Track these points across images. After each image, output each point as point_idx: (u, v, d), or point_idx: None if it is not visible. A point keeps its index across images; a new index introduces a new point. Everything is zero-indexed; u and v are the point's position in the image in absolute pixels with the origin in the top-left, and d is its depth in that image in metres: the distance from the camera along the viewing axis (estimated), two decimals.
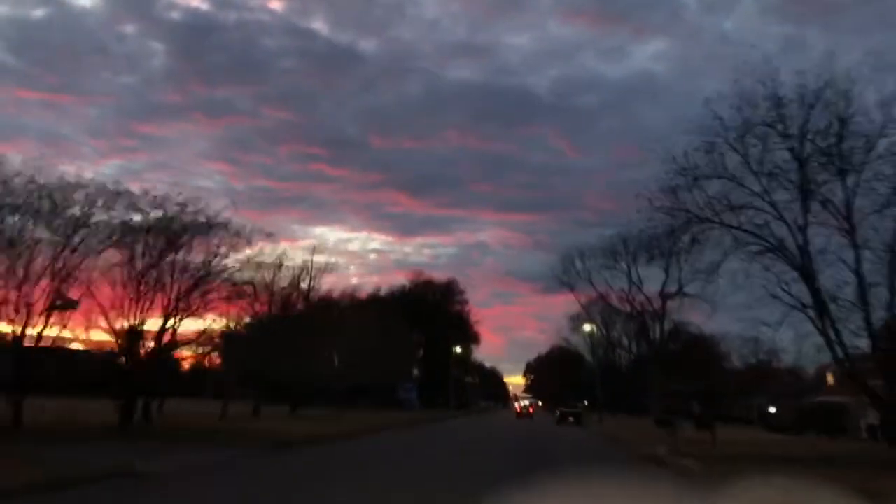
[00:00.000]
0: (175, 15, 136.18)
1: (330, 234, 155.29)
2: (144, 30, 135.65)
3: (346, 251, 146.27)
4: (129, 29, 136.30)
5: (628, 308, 66.86)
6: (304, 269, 56.35)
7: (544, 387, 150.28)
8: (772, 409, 62.47)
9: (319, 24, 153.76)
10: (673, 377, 71.08)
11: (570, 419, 57.84)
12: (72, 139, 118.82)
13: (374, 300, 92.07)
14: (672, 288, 63.39)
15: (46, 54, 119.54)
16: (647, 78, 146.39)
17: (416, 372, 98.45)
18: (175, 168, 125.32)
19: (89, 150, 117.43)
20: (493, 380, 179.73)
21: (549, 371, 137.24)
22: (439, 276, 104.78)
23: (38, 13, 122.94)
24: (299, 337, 48.31)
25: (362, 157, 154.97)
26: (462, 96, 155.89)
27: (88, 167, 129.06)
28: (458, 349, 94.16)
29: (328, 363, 59.02)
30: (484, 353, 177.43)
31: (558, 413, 61.12)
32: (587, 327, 69.44)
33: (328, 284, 79.68)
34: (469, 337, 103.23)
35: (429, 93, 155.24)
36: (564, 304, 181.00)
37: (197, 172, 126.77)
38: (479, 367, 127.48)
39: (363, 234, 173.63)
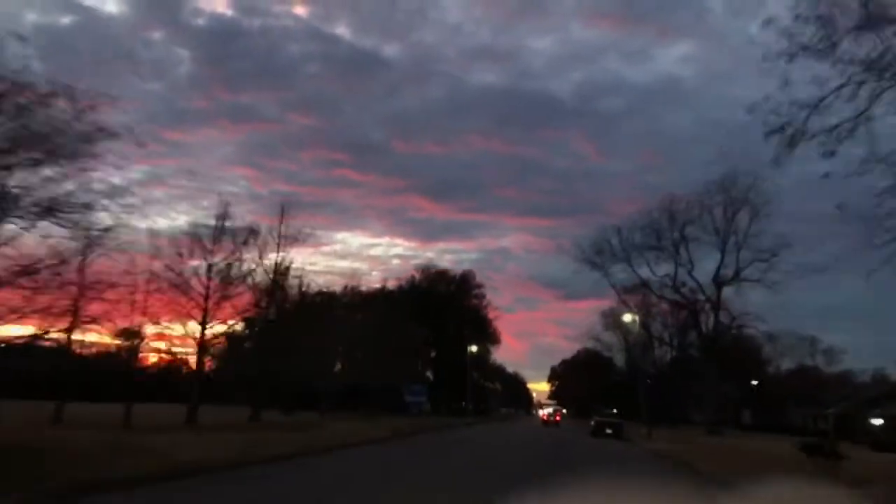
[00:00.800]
0: (201, 21, 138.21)
1: (353, 239, 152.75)
2: (171, 36, 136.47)
3: (369, 256, 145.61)
4: (156, 35, 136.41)
5: (674, 296, 55.77)
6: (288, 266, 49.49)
7: (570, 393, 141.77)
8: (876, 422, 50.94)
9: (343, 30, 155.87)
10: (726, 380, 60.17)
11: (608, 431, 46.79)
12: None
13: (379, 295, 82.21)
14: (728, 272, 53.15)
15: (74, 61, 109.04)
16: (671, 81, 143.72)
17: (429, 374, 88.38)
18: (201, 173, 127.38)
19: (114, 156, 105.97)
20: (515, 385, 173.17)
21: (576, 376, 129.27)
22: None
23: (66, 20, 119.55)
24: (289, 336, 46.40)
25: (385, 161, 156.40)
26: (485, 100, 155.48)
27: (115, 172, 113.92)
28: (475, 348, 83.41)
29: (322, 363, 53.54)
30: (506, 359, 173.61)
31: (593, 423, 50.05)
32: (627, 317, 58.14)
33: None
34: (487, 335, 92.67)
35: (452, 97, 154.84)
36: (588, 310, 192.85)
37: (222, 177, 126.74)
38: (500, 371, 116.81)
39: (385, 240, 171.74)
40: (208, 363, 52.06)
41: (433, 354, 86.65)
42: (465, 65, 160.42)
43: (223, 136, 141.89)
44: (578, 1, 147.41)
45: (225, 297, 34.60)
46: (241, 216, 59.05)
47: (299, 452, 20.94)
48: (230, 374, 66.18)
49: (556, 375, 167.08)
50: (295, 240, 45.05)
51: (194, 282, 33.88)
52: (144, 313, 30.45)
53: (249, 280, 37.69)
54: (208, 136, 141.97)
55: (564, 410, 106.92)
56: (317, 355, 52.08)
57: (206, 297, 34.02)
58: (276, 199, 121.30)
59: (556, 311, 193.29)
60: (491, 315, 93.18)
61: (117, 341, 35.30)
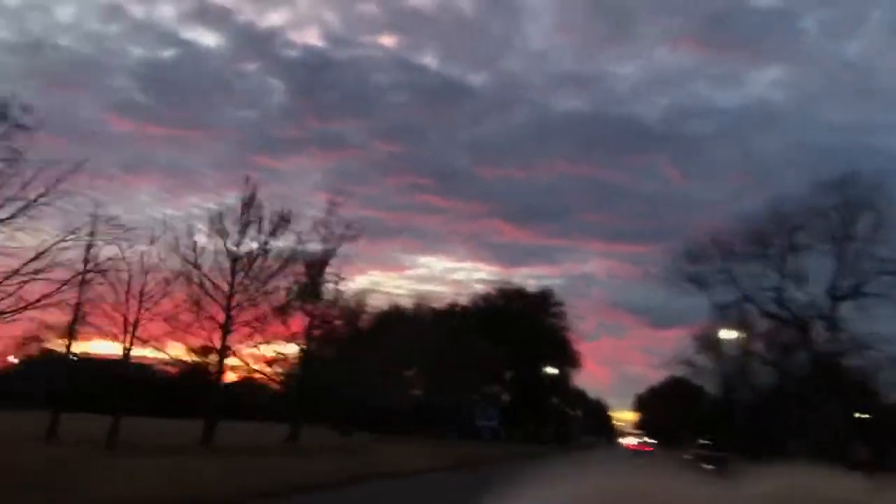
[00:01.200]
0: (292, 53, 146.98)
1: (436, 263, 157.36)
2: (264, 68, 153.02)
3: (452, 280, 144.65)
4: (250, 67, 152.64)
5: (780, 311, 48.57)
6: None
7: (656, 422, 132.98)
8: None
9: (429, 59, 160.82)
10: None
11: (708, 466, 39.52)
12: (196, 171, 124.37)
13: (450, 314, 77.22)
14: (845, 283, 45.96)
15: (174, 92, 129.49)
16: (762, 105, 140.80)
17: (505, 397, 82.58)
18: (291, 199, 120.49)
19: (211, 182, 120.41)
20: (598, 412, 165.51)
21: (663, 405, 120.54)
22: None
23: (167, 54, 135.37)
24: (351, 353, 46.52)
25: (469, 187, 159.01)
26: (570, 126, 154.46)
27: (211, 198, 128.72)
28: (553, 370, 77.29)
29: (384, 382, 50.41)
30: (589, 386, 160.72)
31: (690, 457, 42.91)
32: (726, 334, 51.02)
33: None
34: (567, 358, 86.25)
35: (536, 123, 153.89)
36: (676, 338, 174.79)
37: (311, 203, 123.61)
38: (581, 396, 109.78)
39: (468, 264, 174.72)
40: (274, 380, 50.04)
41: (509, 376, 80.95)
42: (550, 91, 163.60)
43: (313, 164, 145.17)
44: (664, 27, 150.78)
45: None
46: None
47: (305, 486, 15.83)
48: (293, 393, 63.06)
49: (642, 404, 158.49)
50: (345, 237, 40.28)
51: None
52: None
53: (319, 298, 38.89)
54: (298, 163, 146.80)
55: (647, 439, 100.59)
56: (379, 374, 48.32)
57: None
58: (363, 226, 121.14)
59: (642, 339, 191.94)
60: (571, 336, 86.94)
61: (195, 358, 35.19)
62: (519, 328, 77.95)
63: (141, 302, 27.14)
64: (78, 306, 25.70)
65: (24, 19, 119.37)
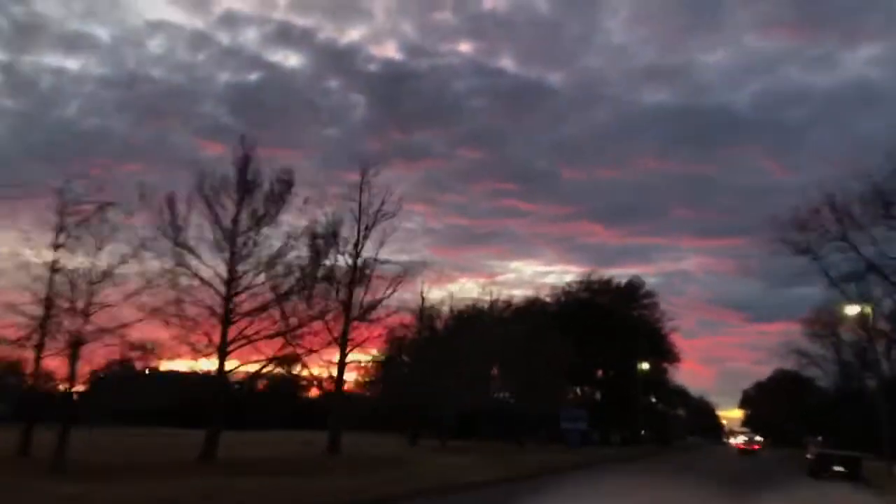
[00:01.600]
0: (373, 67, 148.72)
1: (526, 268, 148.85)
2: (346, 84, 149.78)
3: (543, 284, 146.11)
4: (333, 84, 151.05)
5: None
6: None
7: (764, 418, 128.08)
8: None
9: (507, 62, 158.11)
10: None
11: (838, 469, 33.02)
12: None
13: (531, 311, 71.30)
14: None
15: (262, 113, 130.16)
16: (861, 85, 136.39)
17: (597, 396, 76.16)
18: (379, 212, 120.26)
19: (299, 201, 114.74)
20: (702, 412, 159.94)
21: (770, 400, 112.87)
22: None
23: (254, 77, 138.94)
24: (425, 359, 45.96)
25: (554, 189, 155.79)
26: (657, 120, 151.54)
27: (302, 215, 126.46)
28: (646, 365, 70.38)
29: (457, 387, 46.60)
30: (691, 385, 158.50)
31: (812, 458, 36.07)
32: (850, 309, 43.24)
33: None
34: (662, 352, 78.95)
35: (621, 120, 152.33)
36: (779, 332, 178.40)
37: (399, 215, 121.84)
38: (681, 394, 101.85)
39: (559, 267, 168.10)
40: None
41: (599, 374, 74.57)
42: (633, 86, 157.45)
43: (398, 174, 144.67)
44: (752, 12, 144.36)
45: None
46: (418, 250, 58.67)
47: None
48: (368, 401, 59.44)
49: (749, 400, 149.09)
50: (379, 216, 36.10)
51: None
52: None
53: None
54: (384, 176, 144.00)
55: (759, 438, 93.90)
56: (453, 377, 44.65)
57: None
58: (449, 234, 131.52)
59: (744, 335, 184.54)
60: (666, 329, 79.55)
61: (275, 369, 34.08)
62: (607, 322, 71.44)
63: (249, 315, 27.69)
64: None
65: (118, 54, 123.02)
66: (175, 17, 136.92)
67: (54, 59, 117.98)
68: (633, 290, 78.02)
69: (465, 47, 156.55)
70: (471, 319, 58.12)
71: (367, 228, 35.53)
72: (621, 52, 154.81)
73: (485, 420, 62.68)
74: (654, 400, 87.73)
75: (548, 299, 76.31)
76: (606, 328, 71.01)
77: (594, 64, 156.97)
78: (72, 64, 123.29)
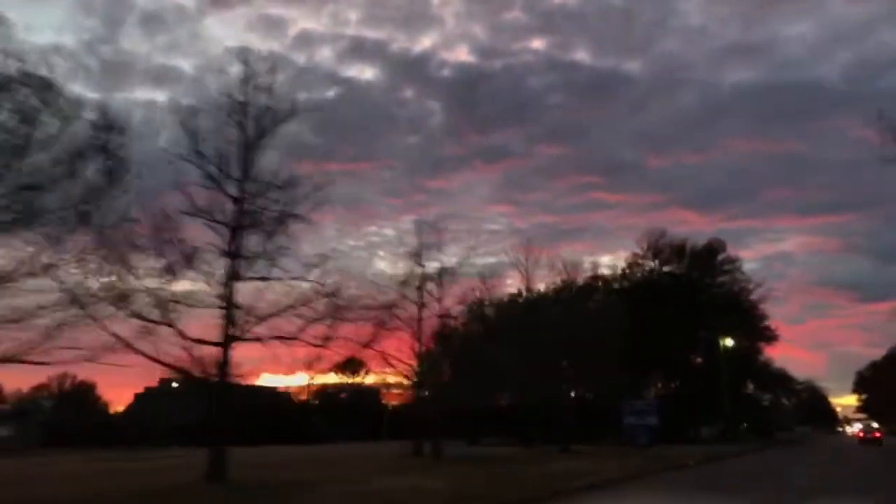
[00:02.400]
0: (446, 72, 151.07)
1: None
2: (421, 92, 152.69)
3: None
4: (409, 93, 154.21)
5: None
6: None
7: (883, 403, 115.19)
8: None
9: (581, 55, 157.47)
10: None
11: None
12: (371, 202, 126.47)
13: (592, 288, 61.26)
14: None
15: (342, 128, 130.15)
16: None
17: (675, 385, 65.12)
18: (463, 216, 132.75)
19: (386, 210, 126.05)
20: (812, 399, 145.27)
21: (890, 382, 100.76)
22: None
23: (331, 93, 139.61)
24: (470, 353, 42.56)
25: (640, 179, 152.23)
26: (742, 100, 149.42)
27: (387, 225, 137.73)
28: (730, 342, 58.77)
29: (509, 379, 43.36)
30: (800, 372, 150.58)
31: None
32: None
33: None
34: (753, 329, 66.78)
35: (704, 102, 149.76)
36: (893, 310, 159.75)
37: (483, 217, 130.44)
38: (783, 379, 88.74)
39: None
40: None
41: (679, 359, 63.39)
42: (715, 66, 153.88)
43: (479, 177, 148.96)
44: None
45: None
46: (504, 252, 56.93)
47: None
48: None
49: (864, 383, 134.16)
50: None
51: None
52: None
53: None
54: (465, 179, 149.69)
55: (875, 424, 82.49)
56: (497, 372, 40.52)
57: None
58: (535, 233, 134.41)
59: (854, 316, 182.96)
60: (757, 300, 67.02)
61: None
62: (683, 297, 60.38)
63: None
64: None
65: (200, 83, 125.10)
66: (253, 42, 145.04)
67: (143, 94, 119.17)
68: (711, 254, 65.96)
69: (537, 44, 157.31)
70: (521, 308, 51.61)
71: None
72: (700, 33, 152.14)
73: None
74: (751, 387, 75.91)
75: (607, 272, 65.63)
76: (684, 304, 59.93)
77: (672, 48, 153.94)
78: (160, 96, 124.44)
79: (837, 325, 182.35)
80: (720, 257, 65.74)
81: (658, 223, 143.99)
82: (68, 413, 73.93)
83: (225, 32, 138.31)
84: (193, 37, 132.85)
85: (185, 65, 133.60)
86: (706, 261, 64.88)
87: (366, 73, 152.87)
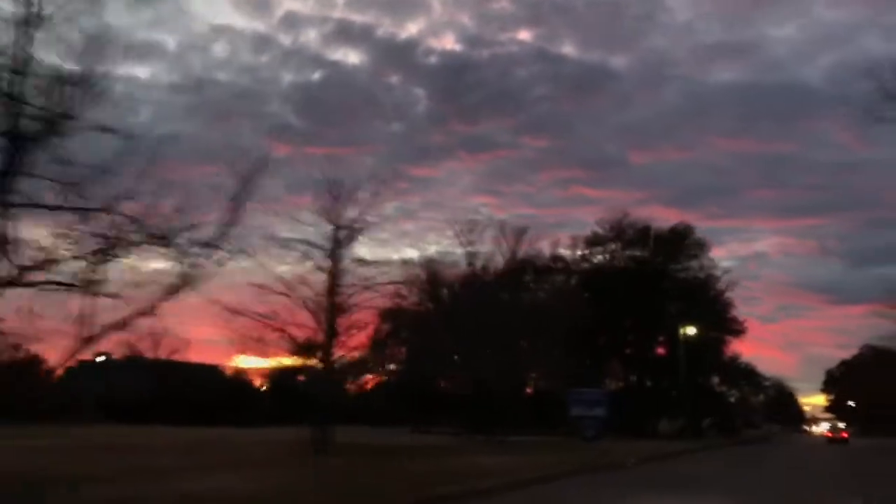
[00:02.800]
0: (433, 60, 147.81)
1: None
2: (407, 78, 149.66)
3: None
4: (394, 79, 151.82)
5: None
6: None
7: (855, 400, 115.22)
8: None
9: (568, 48, 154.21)
10: None
11: None
12: (351, 187, 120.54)
13: (551, 269, 57.01)
14: None
15: (326, 112, 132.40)
16: None
17: (634, 376, 61.07)
18: (445, 205, 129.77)
19: (368, 196, 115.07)
20: (781, 397, 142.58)
21: (860, 381, 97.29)
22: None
23: (316, 76, 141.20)
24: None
25: (624, 175, 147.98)
26: (727, 99, 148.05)
27: (368, 211, 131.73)
28: (692, 330, 54.60)
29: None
30: (772, 371, 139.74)
31: None
32: None
33: None
34: (720, 320, 62.81)
35: (689, 100, 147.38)
36: (865, 315, 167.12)
37: (464, 207, 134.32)
38: (750, 374, 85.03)
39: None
40: None
41: (635, 349, 59.37)
42: (701, 64, 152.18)
43: (463, 167, 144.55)
44: None
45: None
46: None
47: None
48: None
49: (834, 382, 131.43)
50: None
51: None
52: None
53: None
54: (449, 168, 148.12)
55: (841, 425, 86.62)
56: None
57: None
58: (518, 224, 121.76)
59: (828, 319, 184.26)
60: (725, 289, 63.20)
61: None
62: (644, 281, 56.18)
63: None
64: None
65: (184, 59, 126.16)
66: (238, 22, 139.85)
67: (125, 69, 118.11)
68: (678, 238, 61.84)
69: (524, 35, 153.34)
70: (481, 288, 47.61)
71: None
72: (687, 30, 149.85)
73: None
74: (716, 381, 72.20)
75: (566, 253, 61.14)
76: (646, 289, 55.82)
77: (659, 44, 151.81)
78: (141, 72, 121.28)
79: (810, 326, 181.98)
80: (687, 242, 61.67)
81: (640, 220, 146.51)
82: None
83: (210, 10, 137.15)
84: (178, 13, 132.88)
85: (169, 40, 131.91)
86: (672, 245, 60.76)
87: (351, 56, 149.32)
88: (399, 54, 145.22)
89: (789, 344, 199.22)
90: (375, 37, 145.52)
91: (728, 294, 63.20)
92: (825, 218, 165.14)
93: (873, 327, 64.84)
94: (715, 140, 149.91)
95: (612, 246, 61.65)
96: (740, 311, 65.49)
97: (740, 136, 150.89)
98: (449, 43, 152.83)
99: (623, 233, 61.07)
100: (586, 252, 61.26)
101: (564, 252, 60.99)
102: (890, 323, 51.81)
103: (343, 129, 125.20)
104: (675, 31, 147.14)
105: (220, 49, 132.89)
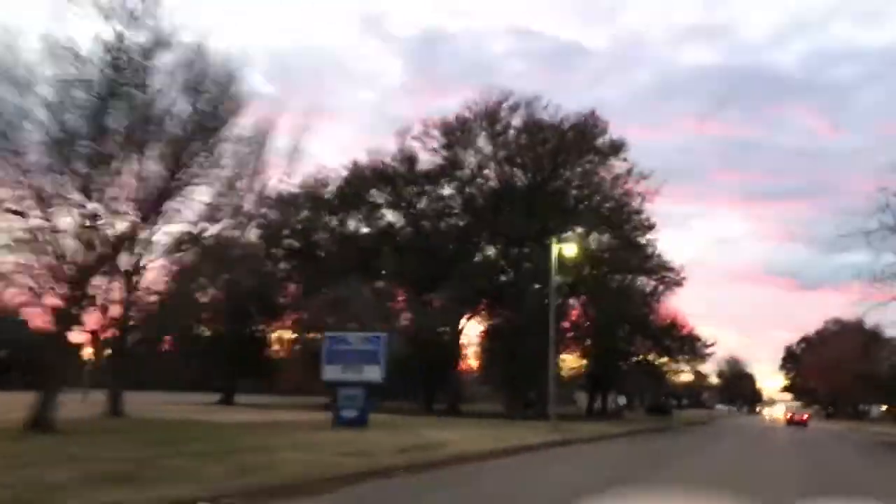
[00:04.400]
0: (408, 30, 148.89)
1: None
2: (381, 47, 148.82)
3: None
4: (368, 48, 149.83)
5: None
6: None
7: (811, 384, 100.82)
8: None
9: (544, 24, 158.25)
10: None
11: None
12: (319, 157, 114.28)
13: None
14: None
15: (296, 80, 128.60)
16: None
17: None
18: None
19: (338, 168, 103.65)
20: (735, 377, 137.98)
21: (823, 359, 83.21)
22: None
23: (287, 43, 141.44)
24: None
25: None
26: (699, 80, 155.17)
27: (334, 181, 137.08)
28: (569, 249, 34.80)
29: None
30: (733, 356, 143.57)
31: None
32: None
33: None
34: (640, 258, 44.56)
35: (662, 80, 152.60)
36: (824, 300, 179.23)
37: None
38: (688, 340, 67.29)
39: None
40: None
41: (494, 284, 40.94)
42: (674, 45, 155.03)
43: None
44: None
45: None
46: None
47: None
48: None
49: (793, 358, 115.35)
50: None
51: None
52: None
53: None
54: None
55: (794, 403, 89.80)
56: None
57: None
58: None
59: (790, 303, 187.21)
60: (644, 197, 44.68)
61: None
62: (526, 193, 37.96)
63: None
64: None
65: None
66: None
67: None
68: (582, 136, 42.56)
69: (500, 8, 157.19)
70: None
71: None
72: (662, 10, 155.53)
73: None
74: (637, 341, 54.66)
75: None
76: (527, 202, 37.53)
77: (634, 22, 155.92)
78: None
79: (774, 310, 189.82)
80: (599, 142, 42.86)
81: None
82: None
83: None
84: None
85: None
86: (574, 144, 41.64)
87: (324, 24, 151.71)
88: (374, 23, 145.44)
89: (754, 327, 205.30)
90: (350, 4, 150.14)
91: (646, 201, 44.52)
92: (791, 203, 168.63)
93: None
94: (685, 121, 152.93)
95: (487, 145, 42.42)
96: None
97: (709, 119, 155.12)
98: (425, 12, 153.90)
99: (498, 121, 41.96)
100: (445, 149, 42.15)
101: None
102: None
103: (313, 96, 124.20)
104: (650, 10, 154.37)
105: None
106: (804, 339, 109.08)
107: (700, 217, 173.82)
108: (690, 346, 64.50)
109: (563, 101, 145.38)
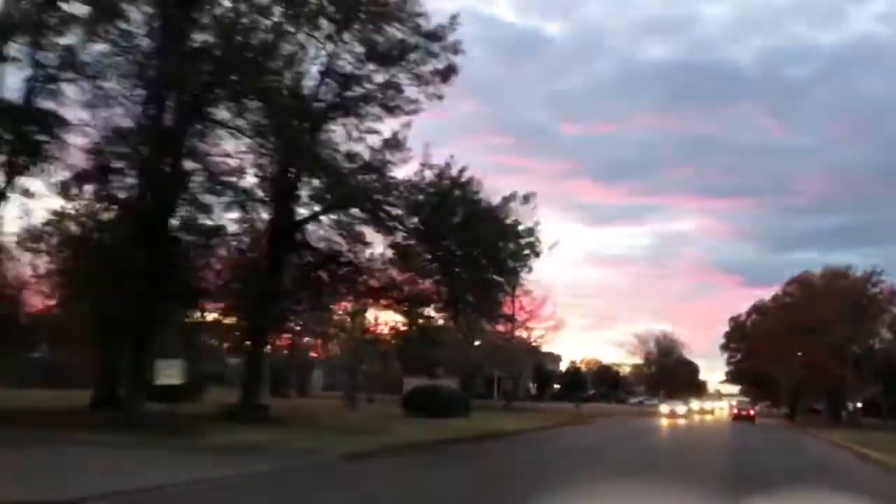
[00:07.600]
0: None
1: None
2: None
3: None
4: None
5: None
6: None
7: (754, 372, 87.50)
8: None
9: (503, 9, 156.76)
10: None
11: None
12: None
13: None
14: None
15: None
16: (867, 43, 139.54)
17: None
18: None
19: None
20: (674, 363, 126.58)
21: (772, 340, 67.97)
22: None
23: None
24: None
25: (551, 145, 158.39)
26: (657, 75, 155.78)
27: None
28: None
29: None
30: (688, 353, 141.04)
31: None
32: None
33: None
34: None
35: (621, 74, 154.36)
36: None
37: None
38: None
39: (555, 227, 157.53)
40: None
41: None
42: (635, 38, 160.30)
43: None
44: None
45: None
46: None
47: None
48: None
49: (737, 338, 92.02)
50: None
51: None
52: None
53: None
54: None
55: (742, 398, 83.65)
56: None
57: None
58: None
59: (738, 300, 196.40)
60: None
61: None
62: None
63: None
64: None
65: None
66: None
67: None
68: None
69: None
70: None
71: None
72: (623, 3, 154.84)
73: None
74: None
75: None
76: None
77: (594, 13, 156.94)
78: None
79: (721, 306, 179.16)
80: None
81: (565, 191, 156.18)
82: None
83: None
84: None
85: None
86: None
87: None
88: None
89: (702, 323, 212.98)
90: None
91: None
92: (743, 200, 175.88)
93: None
94: (643, 116, 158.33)
95: None
96: None
97: (667, 114, 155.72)
98: None
99: None
100: None
101: None
102: None
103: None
104: (611, 3, 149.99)
105: None
106: (755, 309, 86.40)
107: (655, 211, 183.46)
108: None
109: (525, 92, 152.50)
